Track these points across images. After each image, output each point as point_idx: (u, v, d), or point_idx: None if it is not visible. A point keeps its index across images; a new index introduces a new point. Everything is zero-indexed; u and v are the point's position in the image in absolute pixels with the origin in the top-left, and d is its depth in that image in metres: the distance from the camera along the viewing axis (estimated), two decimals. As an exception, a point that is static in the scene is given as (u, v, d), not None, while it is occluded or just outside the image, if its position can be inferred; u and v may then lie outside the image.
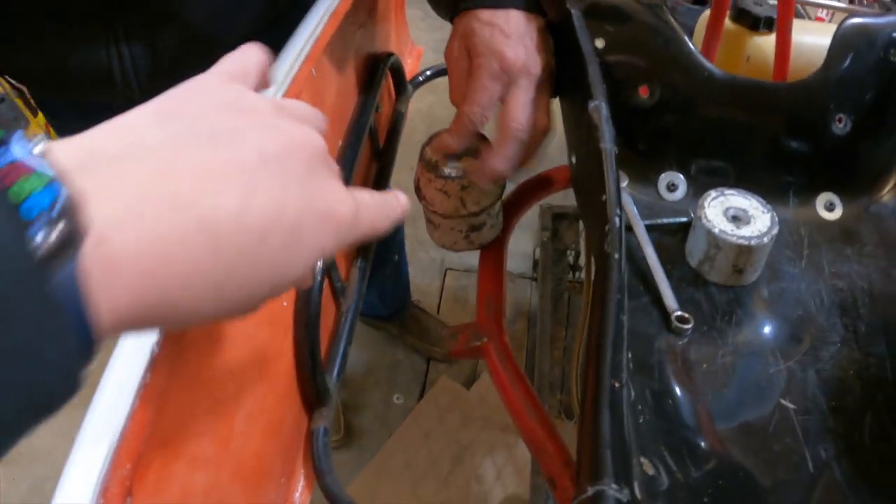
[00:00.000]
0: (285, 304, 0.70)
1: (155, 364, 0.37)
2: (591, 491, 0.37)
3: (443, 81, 0.84)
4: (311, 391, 0.71)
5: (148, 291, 0.23)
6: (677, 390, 0.61)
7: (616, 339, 0.47)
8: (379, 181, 0.95)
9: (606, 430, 0.40)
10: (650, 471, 0.48)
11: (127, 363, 0.37)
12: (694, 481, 0.51)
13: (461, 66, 0.67)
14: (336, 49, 0.75)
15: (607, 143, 0.59)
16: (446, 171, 0.74)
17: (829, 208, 0.86)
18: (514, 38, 0.64)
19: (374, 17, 0.93)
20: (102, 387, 0.37)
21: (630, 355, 0.62)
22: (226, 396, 0.53)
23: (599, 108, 0.61)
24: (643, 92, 0.84)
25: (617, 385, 0.44)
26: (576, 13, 0.70)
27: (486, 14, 0.64)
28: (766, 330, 0.71)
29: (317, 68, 0.69)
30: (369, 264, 0.86)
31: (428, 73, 1.03)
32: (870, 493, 0.56)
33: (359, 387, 1.77)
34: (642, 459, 0.49)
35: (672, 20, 0.82)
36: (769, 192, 0.86)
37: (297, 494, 0.68)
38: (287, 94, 0.60)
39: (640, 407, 0.56)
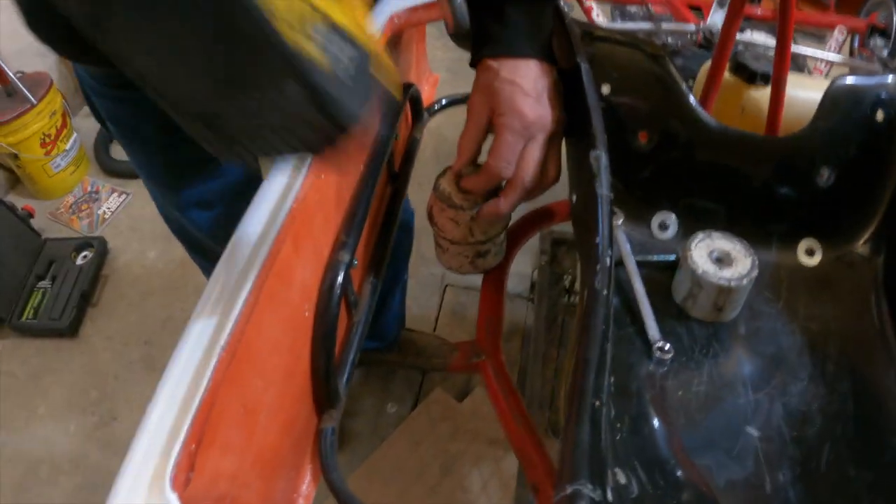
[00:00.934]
0: (307, 314, 0.76)
1: (220, 361, 0.44)
2: (569, 489, 0.43)
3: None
4: (324, 394, 0.78)
5: None
6: (653, 413, 0.68)
7: (599, 365, 0.54)
8: (393, 202, 1.01)
9: (585, 440, 0.47)
10: (622, 479, 0.55)
11: (194, 356, 0.44)
12: (660, 492, 0.58)
13: (482, 119, 0.74)
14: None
15: (604, 190, 0.65)
16: (458, 202, 0.80)
17: (809, 254, 0.93)
18: (533, 96, 0.70)
19: (398, 49, 1.00)
20: (173, 369, 0.45)
21: (612, 379, 0.69)
22: (254, 393, 0.59)
23: (599, 157, 0.67)
24: (642, 137, 0.91)
25: (597, 403, 0.50)
26: (584, 66, 0.76)
27: (506, 68, 0.70)
28: (740, 364, 0.78)
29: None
30: (381, 281, 0.93)
31: (444, 101, 1.09)
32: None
33: (354, 393, 1.83)
34: (616, 469, 0.55)
35: (674, 71, 0.89)
36: (754, 236, 0.93)
37: (304, 486, 0.73)
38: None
39: (618, 425, 0.62)
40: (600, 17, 1.37)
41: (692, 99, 0.88)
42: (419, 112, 1.11)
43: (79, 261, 2.17)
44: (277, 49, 0.33)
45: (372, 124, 0.43)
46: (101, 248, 2.21)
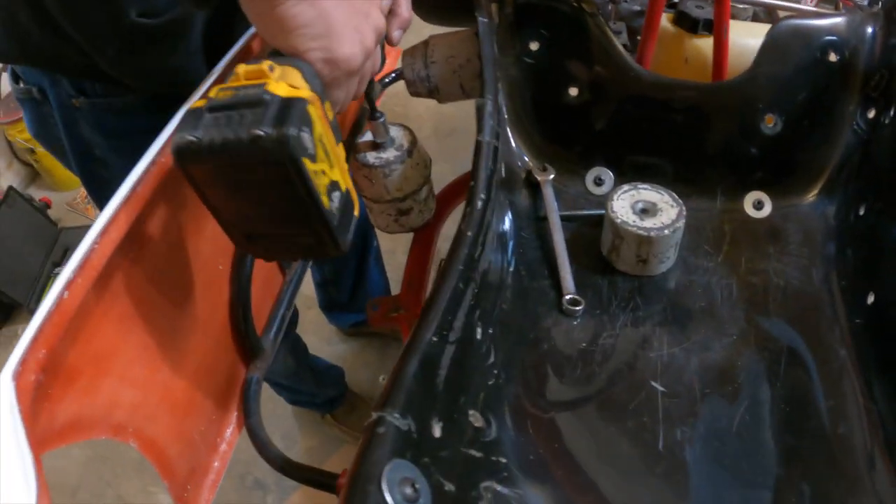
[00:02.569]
0: (221, 267, 0.76)
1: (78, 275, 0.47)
2: (374, 416, 0.40)
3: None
4: (246, 345, 0.77)
5: None
6: (547, 364, 0.63)
7: (450, 303, 0.50)
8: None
9: (409, 373, 0.43)
10: (477, 423, 0.51)
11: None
12: (525, 440, 0.53)
13: None
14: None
15: (485, 136, 0.61)
16: (371, 158, 0.77)
17: (757, 206, 0.86)
18: None
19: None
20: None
21: (508, 328, 0.64)
22: (158, 332, 0.62)
23: (483, 105, 0.63)
24: (573, 92, 0.85)
25: (435, 339, 0.47)
26: (482, 21, 0.72)
27: None
28: (660, 318, 0.72)
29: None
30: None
31: (394, 75, 1.06)
32: (717, 479, 0.57)
33: (349, 365, 1.82)
34: (472, 411, 0.51)
35: (602, 23, 0.83)
36: (698, 189, 0.87)
37: (228, 431, 0.76)
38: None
39: (496, 371, 0.58)
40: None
41: (620, 49, 0.83)
42: (371, 84, 1.08)
43: (94, 247, 2.22)
44: (320, 210, 0.50)
45: None
46: (115, 237, 2.25)
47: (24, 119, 0.91)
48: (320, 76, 0.54)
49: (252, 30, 0.73)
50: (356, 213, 0.59)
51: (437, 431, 0.44)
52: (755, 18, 1.17)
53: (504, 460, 0.50)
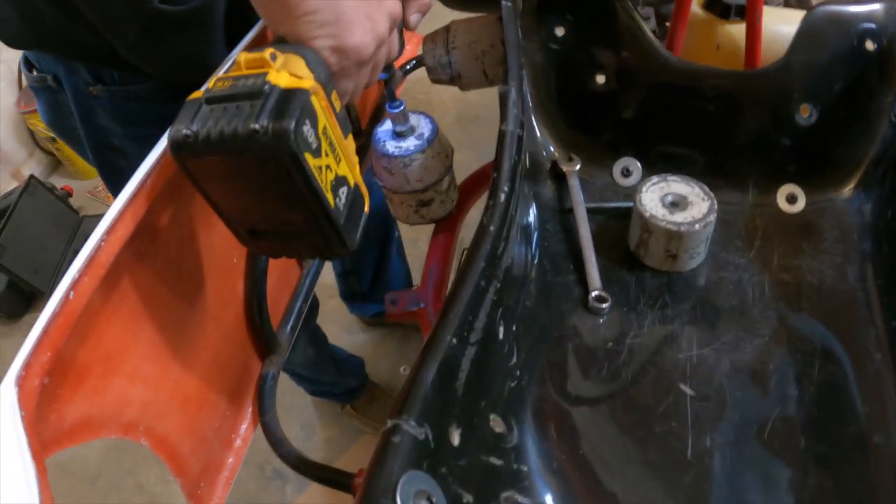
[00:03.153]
0: (235, 261, 0.75)
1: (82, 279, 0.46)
2: (389, 423, 0.38)
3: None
4: (261, 340, 0.76)
5: None
6: (572, 364, 0.61)
7: (471, 302, 0.47)
8: (359, 156, 0.96)
9: (426, 378, 0.41)
10: (498, 428, 0.48)
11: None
12: (548, 445, 0.51)
13: None
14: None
15: (509, 126, 0.58)
16: (391, 148, 0.75)
17: (790, 200, 0.82)
18: None
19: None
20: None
21: (531, 325, 0.62)
22: (168, 329, 0.61)
23: (507, 92, 0.60)
24: (600, 79, 0.82)
25: (454, 341, 0.44)
26: (505, 4, 0.69)
27: None
28: (689, 317, 0.69)
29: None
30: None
31: (414, 62, 1.03)
32: (746, 487, 0.54)
33: (370, 355, 1.81)
34: (493, 416, 0.49)
35: (630, 7, 0.80)
36: (730, 181, 0.83)
37: (243, 427, 0.75)
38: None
39: (518, 372, 0.55)
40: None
41: (649, 35, 0.79)
42: (389, 70, 1.05)
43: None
44: (325, 207, 0.48)
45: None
46: (136, 225, 2.26)
47: (38, 108, 0.89)
48: (328, 65, 0.51)
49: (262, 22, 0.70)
50: (366, 209, 0.57)
51: (455, 439, 0.42)
52: (787, 4, 1.12)
53: (525, 468, 0.48)
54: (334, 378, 1.55)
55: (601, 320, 0.68)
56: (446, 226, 0.85)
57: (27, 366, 0.42)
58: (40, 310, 1.78)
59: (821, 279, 0.75)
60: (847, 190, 0.82)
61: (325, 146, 0.47)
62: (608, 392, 0.59)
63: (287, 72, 0.47)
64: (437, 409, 0.41)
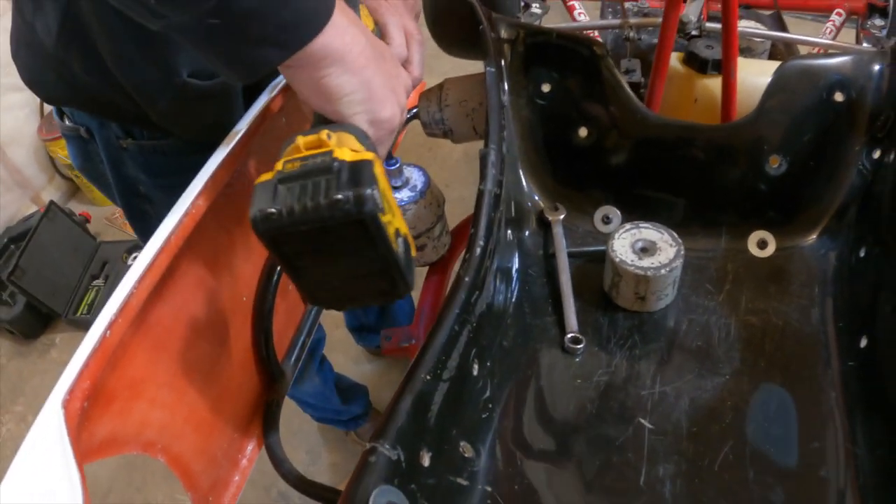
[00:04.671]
0: (245, 299, 0.85)
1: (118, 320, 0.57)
2: (368, 446, 0.48)
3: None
4: (267, 371, 0.86)
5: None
6: (541, 398, 0.70)
7: (445, 345, 0.58)
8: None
9: (402, 409, 0.51)
10: (468, 454, 0.58)
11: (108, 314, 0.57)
12: (513, 471, 0.60)
13: None
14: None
15: (487, 185, 0.69)
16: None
17: (761, 246, 0.91)
18: None
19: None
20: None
21: (507, 363, 0.71)
22: (187, 359, 0.72)
23: (486, 154, 0.71)
24: (582, 133, 0.92)
25: (428, 377, 0.54)
26: (489, 70, 0.80)
27: None
28: (656, 356, 0.79)
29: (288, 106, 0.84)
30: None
31: (414, 111, 1.13)
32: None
33: (374, 383, 1.91)
34: (463, 443, 0.58)
35: (611, 65, 0.90)
36: (703, 228, 0.93)
37: (249, 448, 0.86)
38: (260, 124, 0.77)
39: (490, 405, 0.65)
40: (583, 15, 1.38)
41: (628, 92, 0.89)
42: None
43: (130, 261, 2.36)
44: (395, 256, 0.56)
45: None
46: (151, 251, 2.39)
47: (69, 152, 1.01)
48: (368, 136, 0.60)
49: (273, 85, 0.81)
50: (413, 252, 0.65)
51: (426, 461, 0.51)
52: (773, 51, 1.22)
53: (490, 489, 0.57)
54: (339, 406, 1.66)
55: (576, 360, 0.77)
56: (438, 269, 0.96)
57: (71, 391, 0.52)
58: (56, 331, 1.94)
59: (785, 321, 0.84)
60: (815, 236, 0.91)
61: (386, 205, 0.55)
62: (573, 424, 0.69)
63: (347, 148, 0.55)
64: (411, 435, 0.51)
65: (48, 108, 2.49)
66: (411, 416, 0.52)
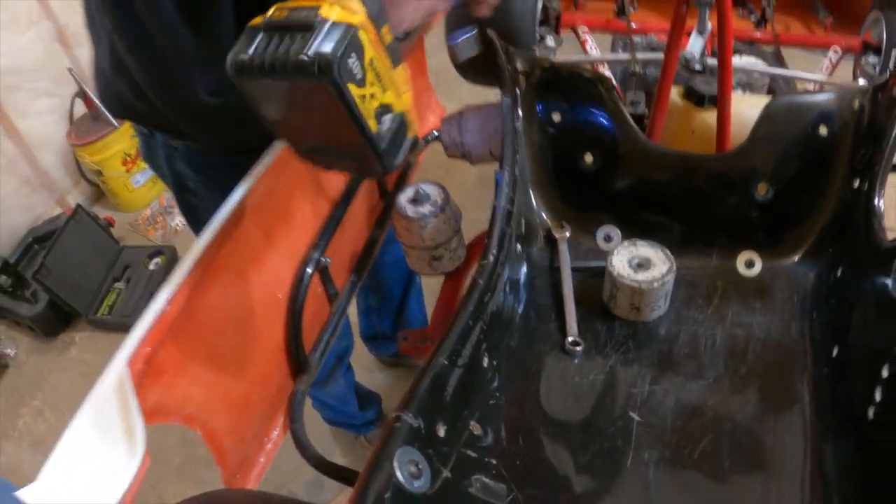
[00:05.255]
0: (279, 296, 0.97)
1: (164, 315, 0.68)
2: (394, 415, 0.60)
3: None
4: (295, 362, 0.98)
5: None
6: (542, 391, 0.82)
7: (460, 336, 0.69)
8: (382, 219, 1.19)
9: (423, 385, 0.63)
10: (476, 431, 0.70)
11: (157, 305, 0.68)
12: (515, 449, 0.72)
13: None
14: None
15: (501, 202, 0.81)
16: (409, 211, 0.98)
17: (749, 265, 1.03)
18: None
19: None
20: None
21: (513, 360, 0.83)
22: (224, 345, 0.84)
23: (502, 175, 0.83)
24: (588, 159, 1.04)
25: (445, 362, 0.66)
26: (506, 101, 0.92)
27: None
28: (647, 360, 0.90)
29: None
30: (360, 280, 1.12)
31: (435, 133, 1.24)
32: (674, 497, 0.74)
33: (385, 394, 2.01)
34: (473, 422, 0.70)
35: (616, 98, 1.02)
36: (696, 247, 1.04)
37: (275, 433, 0.98)
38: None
39: (498, 393, 0.77)
40: (594, 48, 1.50)
41: (631, 123, 1.01)
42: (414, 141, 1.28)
43: (151, 266, 2.49)
44: (365, 132, 0.57)
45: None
46: (171, 256, 2.53)
47: (140, 146, 1.15)
48: None
49: None
50: (409, 134, 0.64)
51: (441, 432, 0.63)
52: (772, 86, 1.34)
53: (494, 461, 0.69)
54: (356, 410, 1.78)
55: (575, 360, 0.89)
56: (454, 278, 1.08)
57: (134, 353, 0.64)
58: (76, 330, 2.10)
59: (767, 333, 0.95)
60: (798, 257, 1.02)
61: (370, 76, 0.55)
62: (569, 415, 0.80)
63: (339, 6, 0.55)
64: (429, 408, 0.62)
65: (77, 114, 2.64)
66: (430, 392, 0.63)
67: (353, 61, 0.53)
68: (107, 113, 2.50)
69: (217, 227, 0.76)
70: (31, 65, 2.52)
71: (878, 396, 0.70)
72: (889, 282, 0.76)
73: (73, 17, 2.53)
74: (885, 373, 0.70)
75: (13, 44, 2.43)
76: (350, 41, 0.53)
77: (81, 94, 2.56)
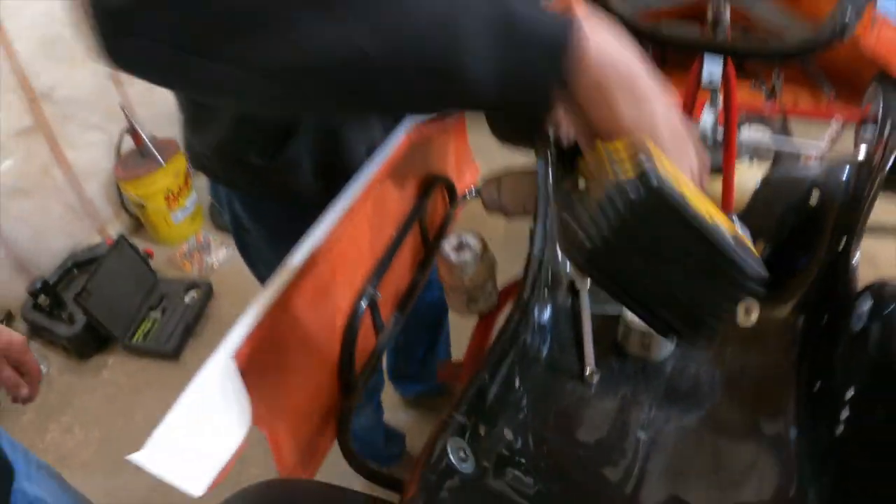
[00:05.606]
0: (339, 323, 1.14)
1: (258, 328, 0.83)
2: (446, 414, 0.76)
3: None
4: (347, 381, 1.14)
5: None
6: (561, 412, 0.98)
7: (497, 359, 0.86)
8: (424, 264, 1.37)
9: (469, 393, 0.80)
10: (509, 436, 0.86)
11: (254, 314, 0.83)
12: (538, 453, 0.88)
13: None
14: (399, 169, 1.20)
15: (534, 252, 0.98)
16: (452, 257, 1.16)
17: (747, 312, 1.19)
18: None
19: (432, 147, 1.36)
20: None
21: (538, 386, 1.00)
22: (293, 360, 0.99)
23: (535, 228, 1.01)
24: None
25: (487, 377, 0.83)
26: (541, 163, 1.11)
27: None
28: (654, 392, 1.06)
29: (382, 181, 1.14)
30: (403, 316, 1.29)
31: (474, 190, 1.42)
32: (674, 495, 0.90)
33: (410, 432, 2.15)
34: (506, 429, 0.86)
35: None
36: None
37: (325, 442, 1.14)
38: (362, 196, 1.06)
39: (525, 410, 0.93)
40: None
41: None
42: (453, 195, 1.46)
43: (187, 299, 2.67)
44: (720, 242, 0.60)
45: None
46: (206, 290, 2.71)
47: (209, 184, 1.34)
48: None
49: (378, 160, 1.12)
50: (748, 244, 0.66)
51: (482, 432, 0.79)
52: (777, 154, 1.51)
53: (524, 461, 0.85)
54: (382, 444, 1.94)
55: (591, 389, 1.05)
56: (486, 320, 1.25)
57: (238, 349, 0.78)
58: (110, 354, 2.33)
59: (761, 373, 1.11)
60: (790, 307, 1.18)
61: (685, 190, 0.56)
62: (584, 432, 0.96)
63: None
64: (474, 411, 0.79)
65: (124, 149, 2.86)
66: (474, 399, 0.80)
67: (658, 169, 0.55)
68: (154, 151, 2.72)
69: (295, 267, 0.93)
70: (86, 98, 2.74)
71: (843, 415, 0.86)
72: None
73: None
74: (848, 395, 0.86)
75: (70, 77, 2.65)
76: (643, 155, 0.56)
77: (130, 130, 2.77)
